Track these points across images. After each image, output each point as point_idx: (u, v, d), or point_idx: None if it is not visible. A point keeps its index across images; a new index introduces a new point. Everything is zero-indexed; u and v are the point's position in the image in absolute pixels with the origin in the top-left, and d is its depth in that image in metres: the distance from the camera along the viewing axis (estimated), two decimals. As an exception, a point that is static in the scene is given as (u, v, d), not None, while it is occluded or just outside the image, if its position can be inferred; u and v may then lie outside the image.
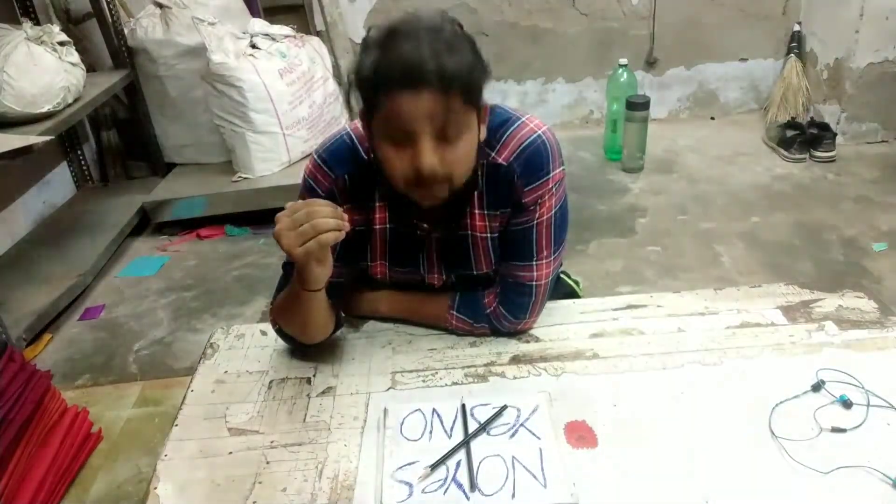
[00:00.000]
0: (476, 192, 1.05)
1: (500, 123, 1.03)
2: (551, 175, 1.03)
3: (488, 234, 1.09)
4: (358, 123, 1.04)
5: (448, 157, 0.90)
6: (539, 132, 1.03)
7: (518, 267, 1.09)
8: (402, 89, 0.85)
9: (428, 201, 0.95)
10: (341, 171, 1.05)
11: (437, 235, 1.10)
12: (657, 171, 3.13)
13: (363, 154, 1.04)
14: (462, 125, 0.90)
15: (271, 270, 2.56)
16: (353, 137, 1.06)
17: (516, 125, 1.03)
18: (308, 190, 1.07)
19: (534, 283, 1.09)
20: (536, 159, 1.02)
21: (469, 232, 1.09)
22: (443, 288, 1.16)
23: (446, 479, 0.87)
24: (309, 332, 1.07)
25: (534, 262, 1.08)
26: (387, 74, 0.86)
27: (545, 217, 1.05)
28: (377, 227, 1.09)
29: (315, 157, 1.07)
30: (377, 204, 1.08)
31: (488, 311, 1.12)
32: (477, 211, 1.07)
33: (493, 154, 1.03)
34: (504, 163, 1.03)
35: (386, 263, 1.14)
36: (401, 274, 1.15)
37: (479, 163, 1.01)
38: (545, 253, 1.08)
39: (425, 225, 1.08)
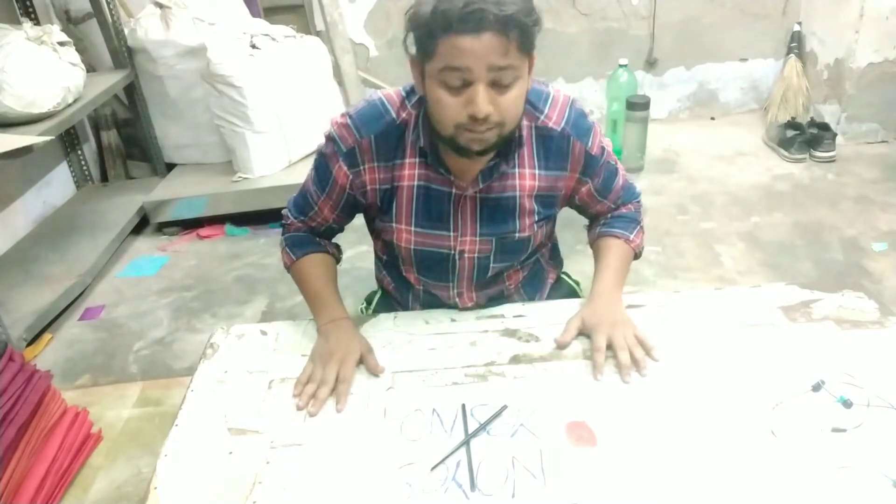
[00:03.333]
0: (525, 152, 1.09)
1: (537, 91, 1.08)
2: (594, 123, 1.13)
3: (535, 194, 1.11)
4: (391, 91, 1.10)
5: (501, 103, 0.92)
6: (570, 96, 1.12)
7: (615, 189, 1.21)
8: (462, 33, 0.87)
9: (477, 145, 0.96)
10: (368, 133, 1.08)
11: (474, 194, 1.10)
12: (657, 171, 3.13)
13: (393, 115, 1.07)
14: (516, 72, 0.92)
15: (271, 270, 2.56)
16: (385, 102, 1.09)
17: (552, 93, 1.10)
18: (331, 141, 1.11)
19: (624, 178, 1.22)
20: (582, 118, 1.11)
21: (517, 192, 1.10)
22: (470, 265, 1.17)
23: (446, 479, 0.87)
24: None
25: (619, 173, 1.21)
26: (447, 18, 0.86)
27: (607, 150, 1.16)
28: (405, 184, 1.10)
29: (346, 115, 1.11)
30: (408, 160, 1.09)
31: (634, 215, 1.24)
32: (528, 170, 1.10)
33: (542, 117, 1.08)
34: (557, 127, 1.08)
35: (412, 228, 1.13)
36: (427, 239, 1.14)
37: (526, 122, 1.06)
38: (617, 163, 1.21)
39: (462, 183, 1.08)
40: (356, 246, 2.52)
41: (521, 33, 0.89)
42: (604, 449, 0.90)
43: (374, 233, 1.25)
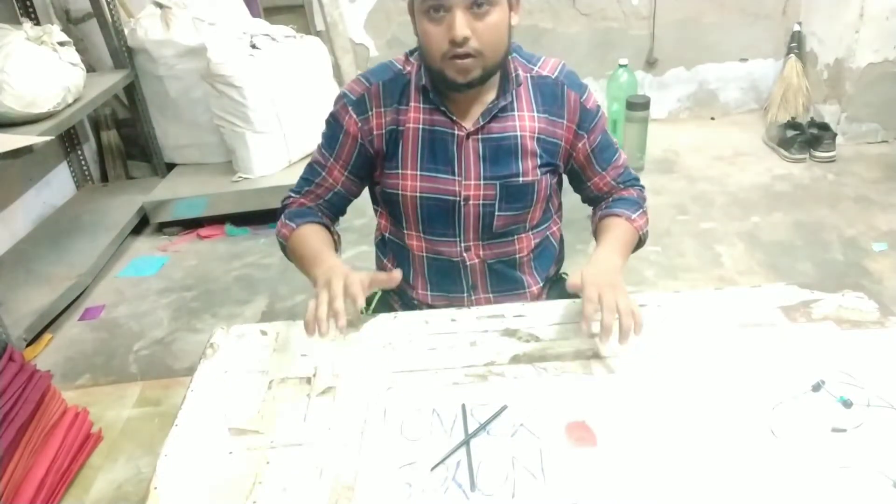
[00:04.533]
0: (523, 94, 1.16)
1: (528, 54, 1.19)
2: (588, 86, 1.20)
3: (536, 135, 1.16)
4: (401, 58, 1.19)
5: (479, 27, 1.01)
6: (560, 60, 1.20)
7: (615, 164, 1.26)
8: None
9: (461, 76, 1.05)
10: (376, 80, 1.17)
11: (476, 135, 1.14)
12: (657, 171, 3.14)
13: (399, 67, 1.17)
14: None
15: (271, 270, 2.56)
16: (393, 60, 1.19)
17: (544, 56, 1.20)
18: (341, 97, 1.18)
19: (624, 159, 1.28)
20: (574, 76, 1.19)
21: (517, 132, 1.15)
22: (476, 212, 1.19)
23: (446, 479, 0.87)
24: None
25: (620, 153, 1.28)
26: None
27: (604, 115, 1.23)
28: (410, 126, 1.15)
29: (356, 75, 1.21)
30: (412, 105, 1.15)
31: (637, 199, 1.29)
32: (526, 112, 1.16)
33: (535, 68, 1.17)
34: (551, 74, 1.17)
35: (417, 173, 1.17)
36: (432, 184, 1.17)
37: (522, 72, 1.15)
38: (618, 148, 1.28)
39: (464, 123, 1.14)
40: (356, 246, 2.52)
41: None
42: (604, 449, 0.90)
43: (378, 198, 1.27)
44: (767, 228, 2.60)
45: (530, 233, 1.26)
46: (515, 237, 1.25)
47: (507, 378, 1.04)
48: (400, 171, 1.17)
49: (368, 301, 1.41)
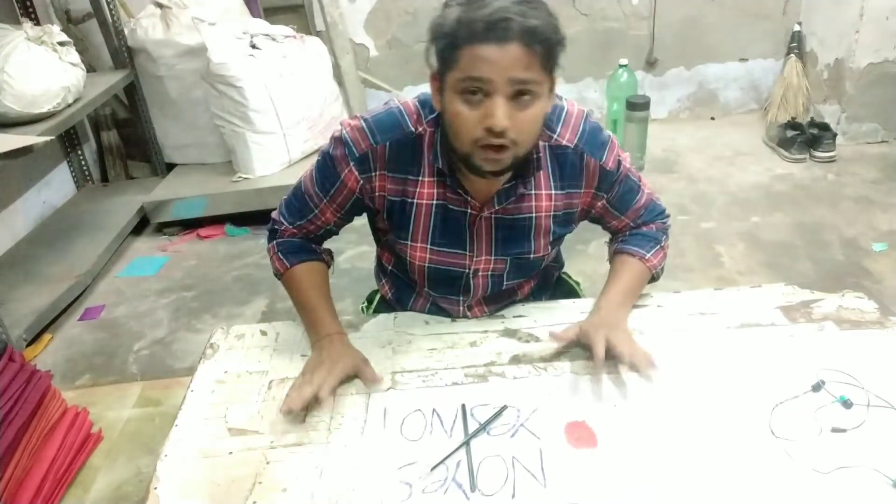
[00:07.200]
0: (541, 173, 1.07)
1: (548, 113, 1.04)
2: (611, 137, 1.10)
3: (552, 213, 1.11)
4: (406, 100, 1.08)
5: (519, 118, 0.90)
6: (584, 110, 1.09)
7: (635, 207, 1.18)
8: (487, 42, 0.86)
9: (490, 165, 0.95)
10: (383, 139, 1.05)
11: (490, 215, 1.09)
12: (657, 171, 3.13)
13: (410, 126, 1.05)
14: (536, 90, 0.90)
15: (271, 271, 2.56)
16: (403, 112, 1.06)
17: (565, 107, 1.08)
18: (342, 144, 1.07)
19: (647, 197, 1.19)
20: (596, 132, 1.08)
21: (533, 214, 1.10)
22: (484, 283, 1.16)
23: (446, 479, 0.87)
24: None
25: (642, 192, 1.18)
26: (471, 26, 0.86)
27: (626, 165, 1.13)
28: (424, 202, 1.08)
29: (360, 119, 1.07)
30: (426, 179, 1.07)
31: (656, 234, 1.21)
32: (544, 192, 1.09)
33: (555, 136, 1.06)
34: (570, 144, 1.07)
35: (427, 246, 1.12)
36: (442, 257, 1.13)
37: (541, 142, 1.05)
38: (641, 181, 1.19)
39: (478, 203, 1.07)
40: (356, 246, 2.52)
41: (546, 49, 0.88)
42: (604, 449, 0.90)
43: (381, 243, 1.24)
44: (767, 228, 2.60)
45: (531, 280, 1.25)
46: (518, 289, 1.23)
47: (507, 378, 1.04)
48: (409, 243, 1.12)
49: (370, 300, 1.41)
